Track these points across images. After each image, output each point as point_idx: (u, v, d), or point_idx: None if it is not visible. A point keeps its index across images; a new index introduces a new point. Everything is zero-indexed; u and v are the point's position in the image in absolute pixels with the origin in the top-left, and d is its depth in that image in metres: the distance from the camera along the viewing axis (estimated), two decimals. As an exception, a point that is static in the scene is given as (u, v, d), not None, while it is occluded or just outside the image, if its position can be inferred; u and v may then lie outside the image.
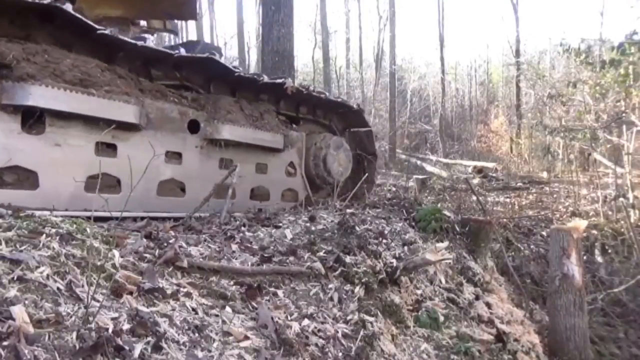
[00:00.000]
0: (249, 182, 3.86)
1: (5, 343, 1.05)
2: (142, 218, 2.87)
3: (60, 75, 2.74)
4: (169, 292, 1.68)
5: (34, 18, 2.81)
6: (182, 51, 3.45)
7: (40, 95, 2.61)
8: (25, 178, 2.70)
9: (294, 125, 4.53)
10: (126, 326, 1.33)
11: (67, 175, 2.74)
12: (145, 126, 3.14)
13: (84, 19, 2.78)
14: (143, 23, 5.60)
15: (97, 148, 2.94)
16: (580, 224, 4.33)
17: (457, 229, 4.44)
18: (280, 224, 3.31)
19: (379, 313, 2.47)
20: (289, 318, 1.97)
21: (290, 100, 4.34)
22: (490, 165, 14.23)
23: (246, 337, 1.62)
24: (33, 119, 2.68)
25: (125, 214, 2.63)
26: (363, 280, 2.63)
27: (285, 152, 4.14)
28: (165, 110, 3.29)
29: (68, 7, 2.68)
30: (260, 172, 3.98)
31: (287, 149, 4.17)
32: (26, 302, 1.24)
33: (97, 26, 2.84)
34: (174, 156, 3.37)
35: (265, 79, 3.83)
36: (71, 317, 1.26)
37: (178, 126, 3.36)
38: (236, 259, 2.34)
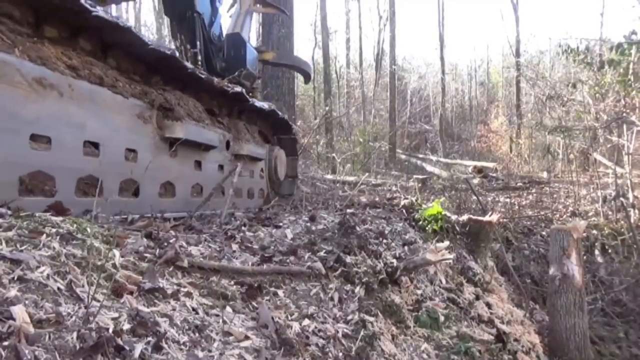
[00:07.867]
0: (248, 184, 4.92)
1: (5, 343, 1.04)
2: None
3: (190, 114, 3.53)
4: (169, 292, 1.68)
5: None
6: None
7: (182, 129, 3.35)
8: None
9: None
10: (126, 326, 1.33)
11: (186, 185, 3.61)
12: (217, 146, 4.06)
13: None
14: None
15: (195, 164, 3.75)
16: (580, 224, 4.33)
17: (457, 229, 4.45)
18: (281, 224, 3.31)
19: (379, 313, 2.47)
20: (290, 318, 1.97)
21: (263, 122, 5.55)
22: (490, 165, 14.22)
23: (246, 337, 1.62)
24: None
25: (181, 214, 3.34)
26: (363, 280, 2.63)
27: (261, 161, 5.26)
28: (217, 132, 4.13)
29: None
30: (252, 176, 5.04)
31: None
32: (26, 302, 1.24)
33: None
34: (220, 168, 4.20)
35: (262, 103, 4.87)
36: (71, 317, 1.26)
37: (223, 145, 4.22)
38: (237, 258, 2.34)
